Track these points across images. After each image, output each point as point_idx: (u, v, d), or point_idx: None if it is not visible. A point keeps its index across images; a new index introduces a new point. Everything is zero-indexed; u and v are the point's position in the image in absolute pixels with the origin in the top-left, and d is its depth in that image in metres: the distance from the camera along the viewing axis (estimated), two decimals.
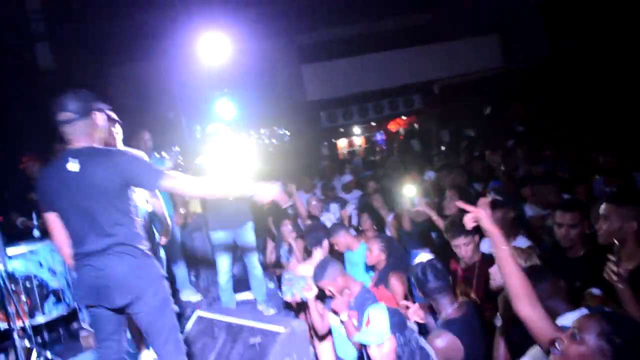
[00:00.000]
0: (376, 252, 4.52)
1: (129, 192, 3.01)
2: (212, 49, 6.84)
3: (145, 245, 3.05)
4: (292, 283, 5.46)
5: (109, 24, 8.48)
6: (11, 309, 4.35)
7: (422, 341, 2.84)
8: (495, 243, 2.30)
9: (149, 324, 3.02)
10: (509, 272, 2.22)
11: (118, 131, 4.31)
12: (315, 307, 3.92)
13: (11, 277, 4.78)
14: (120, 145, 4.36)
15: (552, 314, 2.51)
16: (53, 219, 3.08)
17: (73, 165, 2.89)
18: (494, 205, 3.87)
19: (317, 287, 4.02)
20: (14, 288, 4.49)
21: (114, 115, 4.30)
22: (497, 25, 14.77)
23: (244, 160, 5.26)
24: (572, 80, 11.38)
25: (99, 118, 3.05)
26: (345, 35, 15.25)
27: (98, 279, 2.93)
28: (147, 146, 5.79)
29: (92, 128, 3.01)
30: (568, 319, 2.40)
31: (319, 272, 3.94)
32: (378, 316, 2.87)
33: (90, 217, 2.90)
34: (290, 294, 5.50)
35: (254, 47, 12.13)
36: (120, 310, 3.05)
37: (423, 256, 3.38)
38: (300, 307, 5.42)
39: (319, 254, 4.91)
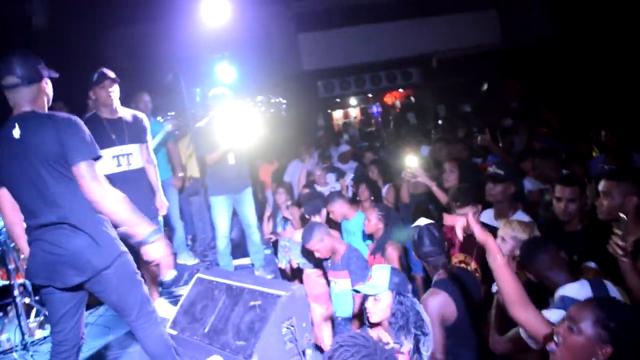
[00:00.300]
0: (374, 221, 4.55)
1: None
2: (210, 11, 6.74)
3: (103, 218, 2.85)
4: (287, 250, 5.53)
5: None
6: (11, 266, 4.39)
7: (419, 306, 2.91)
8: (491, 252, 2.32)
9: (117, 302, 2.90)
10: (504, 281, 2.27)
11: (115, 90, 4.28)
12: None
13: None
14: (117, 105, 4.34)
15: (553, 285, 2.57)
16: (3, 195, 2.92)
17: (16, 132, 2.75)
18: (495, 179, 3.94)
19: (306, 249, 4.23)
20: (13, 245, 4.48)
21: (112, 74, 4.27)
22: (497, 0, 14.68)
23: (247, 125, 5.25)
24: (570, 59, 11.36)
25: (48, 86, 2.92)
26: (343, 4, 15.05)
27: (52, 254, 2.77)
28: (147, 108, 5.75)
29: (38, 94, 2.85)
30: (568, 290, 2.47)
31: (307, 234, 4.17)
32: (381, 272, 2.97)
33: (38, 186, 2.73)
34: (286, 261, 5.58)
35: (250, 13, 11.96)
36: (77, 289, 2.86)
37: (422, 220, 3.43)
38: (295, 274, 5.49)
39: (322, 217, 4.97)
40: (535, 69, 12.57)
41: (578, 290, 2.43)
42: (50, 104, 2.98)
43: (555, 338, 1.93)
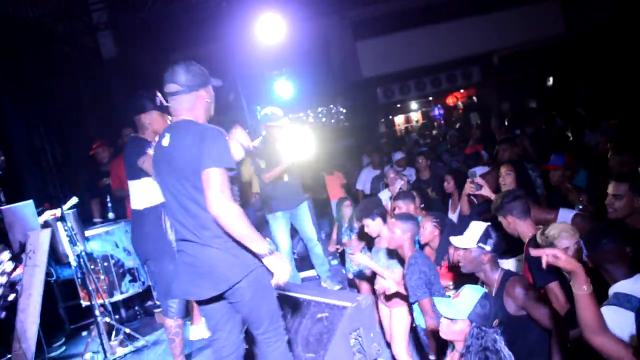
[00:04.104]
0: (429, 229, 4.30)
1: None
2: (268, 29, 6.90)
3: None
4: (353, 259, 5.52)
5: (166, 11, 8.68)
6: (92, 287, 4.63)
7: (503, 347, 2.59)
8: (578, 281, 2.23)
9: (248, 314, 2.91)
10: (586, 309, 2.23)
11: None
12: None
13: (90, 257, 5.04)
14: None
15: (611, 278, 2.53)
16: None
17: (166, 140, 2.78)
18: None
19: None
20: (93, 267, 4.72)
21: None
22: None
23: (301, 141, 5.30)
24: (637, 46, 10.87)
25: (207, 95, 2.88)
26: (399, 8, 14.97)
27: (191, 266, 2.83)
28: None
29: (196, 103, 2.82)
30: (622, 286, 2.45)
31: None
32: (468, 296, 2.68)
33: (178, 199, 2.76)
34: (353, 270, 5.57)
35: (307, 26, 12.12)
36: (219, 299, 2.88)
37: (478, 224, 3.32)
38: (363, 282, 5.46)
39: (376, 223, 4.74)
40: (602, 59, 12.10)
41: (632, 285, 2.41)
42: (212, 113, 2.97)
43: None
